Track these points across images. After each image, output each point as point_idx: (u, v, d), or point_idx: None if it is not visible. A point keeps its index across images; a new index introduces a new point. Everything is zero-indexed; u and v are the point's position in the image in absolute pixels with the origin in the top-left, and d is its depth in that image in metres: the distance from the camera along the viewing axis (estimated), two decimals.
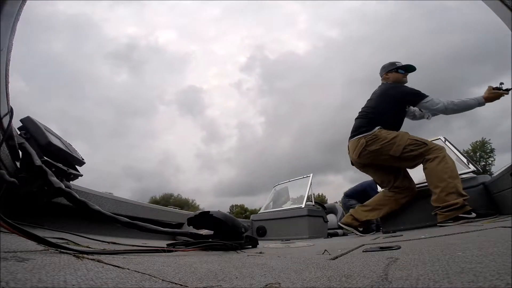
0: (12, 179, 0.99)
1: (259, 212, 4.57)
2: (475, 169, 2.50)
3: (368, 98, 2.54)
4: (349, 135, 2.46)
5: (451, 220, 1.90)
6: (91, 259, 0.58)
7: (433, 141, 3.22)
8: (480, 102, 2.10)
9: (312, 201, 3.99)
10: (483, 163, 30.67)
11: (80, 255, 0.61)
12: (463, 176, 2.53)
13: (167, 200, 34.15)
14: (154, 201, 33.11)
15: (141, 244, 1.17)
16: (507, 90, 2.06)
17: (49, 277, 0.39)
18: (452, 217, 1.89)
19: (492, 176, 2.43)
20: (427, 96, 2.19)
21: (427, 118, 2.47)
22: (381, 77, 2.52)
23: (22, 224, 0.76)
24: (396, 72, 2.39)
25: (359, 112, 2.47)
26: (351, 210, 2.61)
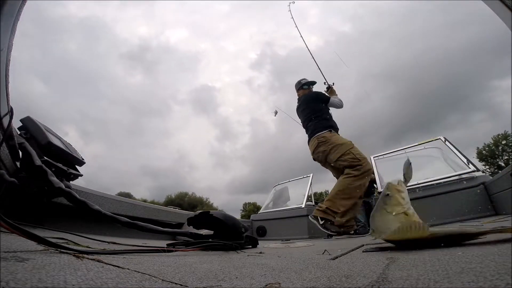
0: (12, 179, 0.99)
1: (259, 212, 4.57)
2: (475, 169, 2.50)
3: (304, 111, 3.00)
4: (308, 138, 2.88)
5: (313, 217, 2.27)
6: (91, 259, 0.58)
7: (431, 141, 3.23)
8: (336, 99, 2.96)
9: (312, 201, 3.99)
10: (506, 157, 28.18)
11: (80, 255, 0.61)
12: (463, 176, 2.54)
13: (182, 199, 34.51)
14: (170, 199, 33.79)
15: (141, 244, 1.17)
16: (330, 86, 3.12)
17: (49, 277, 0.39)
18: (319, 215, 2.26)
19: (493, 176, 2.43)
20: (331, 96, 2.91)
21: None
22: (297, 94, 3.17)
23: (22, 224, 0.76)
24: (302, 89, 3.05)
25: (307, 125, 2.87)
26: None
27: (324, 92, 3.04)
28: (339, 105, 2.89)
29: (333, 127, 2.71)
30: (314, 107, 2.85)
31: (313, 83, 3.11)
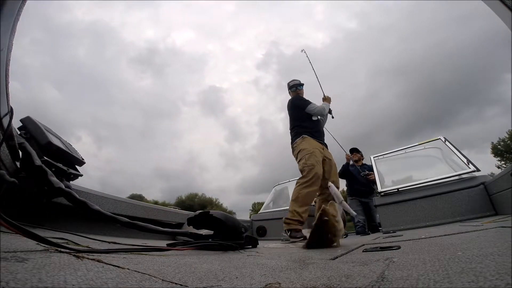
0: (12, 179, 0.99)
1: (259, 212, 4.57)
2: (475, 169, 2.50)
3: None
4: None
5: (286, 230, 2.36)
6: (91, 259, 0.58)
7: (431, 141, 3.23)
8: (327, 106, 2.96)
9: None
10: None
11: (80, 255, 0.61)
12: (463, 176, 2.53)
13: (192, 200, 34.68)
14: (180, 200, 34.34)
15: (141, 244, 1.17)
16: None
17: (49, 277, 0.39)
18: (285, 228, 2.37)
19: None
20: (309, 104, 2.84)
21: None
22: None
23: (22, 224, 0.76)
24: (291, 91, 3.07)
25: (290, 132, 2.95)
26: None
27: (303, 98, 2.96)
28: (316, 113, 2.81)
29: (311, 133, 2.72)
30: (294, 115, 2.88)
31: (301, 85, 3.07)
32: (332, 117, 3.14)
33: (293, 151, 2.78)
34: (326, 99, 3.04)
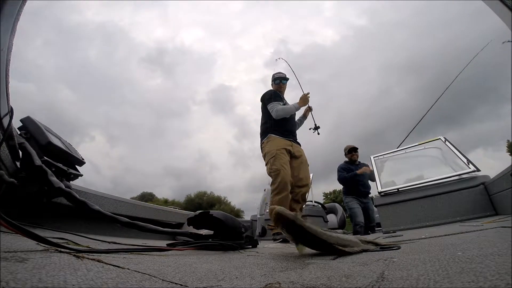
0: (12, 179, 0.99)
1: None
2: (475, 169, 2.50)
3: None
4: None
5: (275, 234, 2.32)
6: (91, 259, 0.58)
7: (432, 141, 3.23)
8: (296, 107, 2.68)
9: (312, 201, 3.99)
10: None
11: (80, 255, 0.61)
12: (463, 176, 2.54)
13: (201, 198, 34.94)
14: (189, 199, 34.42)
15: (141, 244, 1.17)
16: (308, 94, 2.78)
17: (49, 277, 0.39)
18: (273, 232, 2.35)
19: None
20: (271, 103, 2.64)
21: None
22: None
23: (22, 224, 0.76)
24: (274, 84, 2.86)
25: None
26: None
27: (274, 94, 2.73)
28: (274, 114, 2.57)
29: (279, 131, 2.59)
30: (263, 109, 2.73)
31: (285, 79, 2.85)
32: (318, 133, 2.93)
33: (261, 151, 2.68)
34: (302, 99, 2.70)
